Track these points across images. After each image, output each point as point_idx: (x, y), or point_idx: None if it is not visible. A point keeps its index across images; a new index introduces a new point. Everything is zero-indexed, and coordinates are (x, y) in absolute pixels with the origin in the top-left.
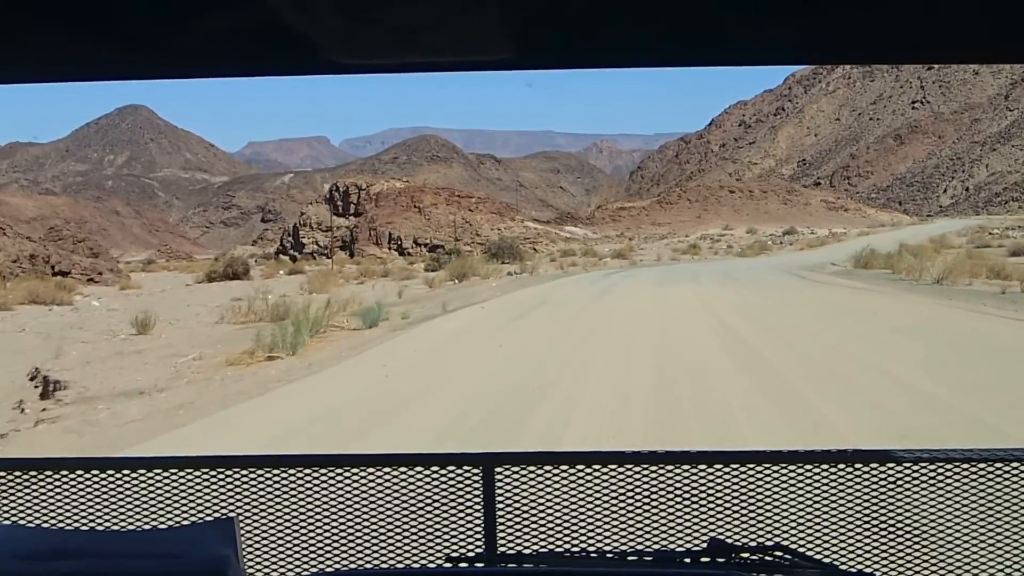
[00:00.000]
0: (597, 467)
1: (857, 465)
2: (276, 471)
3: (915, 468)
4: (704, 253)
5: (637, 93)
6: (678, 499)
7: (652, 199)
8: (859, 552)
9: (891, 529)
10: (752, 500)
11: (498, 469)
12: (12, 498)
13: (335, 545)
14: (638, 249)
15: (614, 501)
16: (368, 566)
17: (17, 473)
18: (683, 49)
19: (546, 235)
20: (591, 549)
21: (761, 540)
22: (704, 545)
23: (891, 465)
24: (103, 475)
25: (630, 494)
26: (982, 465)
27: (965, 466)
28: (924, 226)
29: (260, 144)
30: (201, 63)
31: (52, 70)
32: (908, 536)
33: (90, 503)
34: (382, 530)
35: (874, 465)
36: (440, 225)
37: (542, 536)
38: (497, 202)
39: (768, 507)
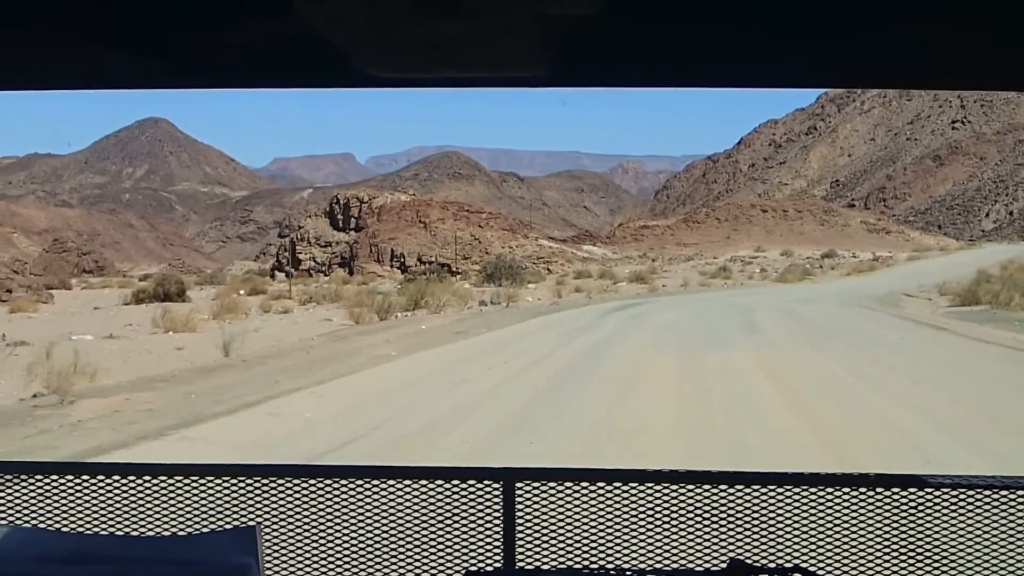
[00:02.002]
0: (618, 484)
1: (879, 489)
2: (298, 481)
3: (937, 494)
4: (736, 277)
5: (665, 115)
6: (699, 518)
7: (677, 218)
8: None
9: (912, 554)
10: (773, 522)
11: (519, 484)
12: (35, 502)
13: (355, 556)
14: (661, 271)
15: (634, 519)
16: None
17: (39, 477)
18: (715, 70)
19: (561, 254)
20: (610, 567)
21: (781, 562)
22: (723, 566)
23: (913, 490)
24: (125, 480)
25: (651, 512)
26: (1004, 492)
27: (987, 492)
28: (976, 251)
29: (286, 160)
30: (236, 74)
31: (90, 79)
32: (928, 561)
33: (113, 508)
34: (402, 542)
35: (896, 489)
36: (447, 242)
37: (561, 552)
38: (509, 219)
39: (789, 529)
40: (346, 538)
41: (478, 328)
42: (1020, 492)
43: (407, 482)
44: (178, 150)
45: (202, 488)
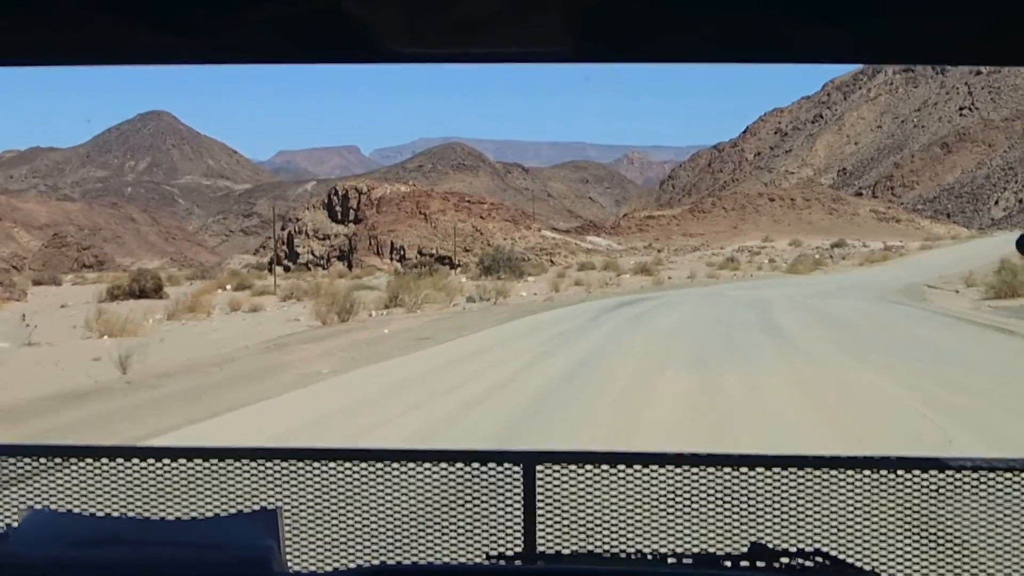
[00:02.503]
0: (638, 467)
1: (900, 472)
2: (318, 464)
3: (959, 476)
4: (744, 268)
5: (671, 105)
6: (719, 502)
7: (683, 208)
8: (900, 560)
9: (933, 537)
10: (794, 505)
11: (539, 467)
12: (57, 486)
13: (376, 539)
14: (667, 263)
15: (655, 502)
16: (407, 561)
17: (59, 460)
18: (744, 44)
19: (565, 246)
20: (631, 550)
21: (802, 545)
22: (745, 549)
23: (934, 472)
24: (146, 463)
25: (671, 495)
26: None
27: (1009, 475)
28: (989, 240)
29: (291, 153)
30: (257, 50)
31: (108, 55)
32: (950, 544)
33: (135, 491)
34: (422, 525)
35: (917, 472)
36: (448, 233)
37: (581, 536)
38: (512, 210)
39: (810, 512)
40: (367, 521)
41: (448, 333)
42: None
43: (427, 464)
44: (181, 143)
45: (224, 471)
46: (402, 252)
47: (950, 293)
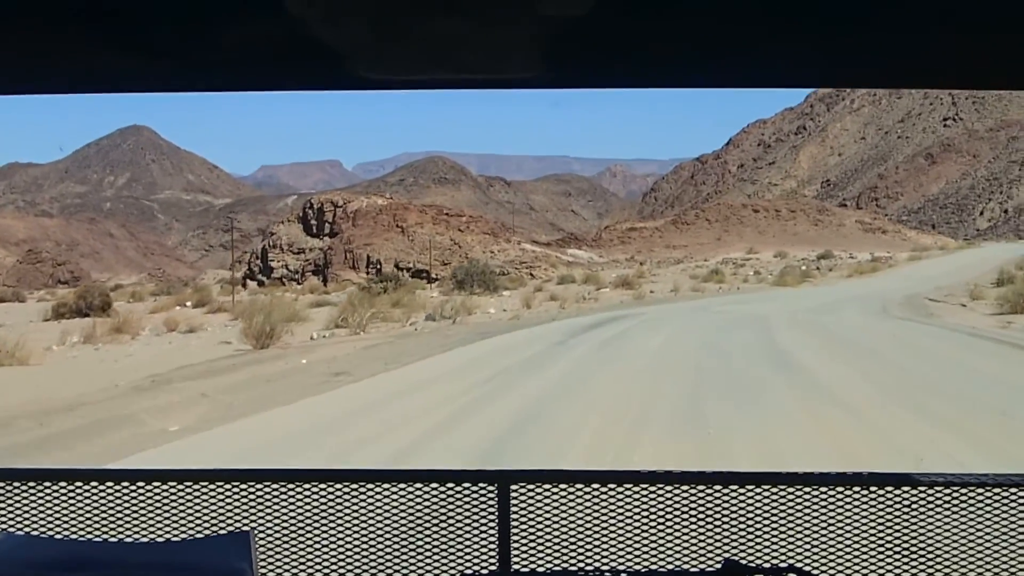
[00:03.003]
0: (612, 486)
1: (872, 488)
2: (291, 486)
3: (931, 492)
4: (730, 281)
5: (654, 119)
6: (693, 520)
7: (666, 219)
8: (874, 575)
9: (906, 553)
10: (767, 522)
11: (513, 487)
12: (29, 509)
13: (350, 560)
14: (649, 276)
15: (629, 520)
16: None
17: (32, 484)
18: (713, 69)
19: (545, 259)
20: (605, 569)
21: (776, 562)
22: (719, 566)
23: (907, 489)
24: (119, 486)
25: (645, 514)
26: (998, 490)
27: (981, 491)
28: (978, 250)
29: (273, 168)
30: (233, 77)
31: (89, 82)
32: (923, 560)
33: (106, 514)
34: (397, 546)
35: (889, 488)
36: (425, 247)
37: (556, 554)
38: (491, 222)
39: (784, 529)
40: (340, 542)
41: (375, 364)
42: (1013, 490)
43: (401, 485)
44: (160, 158)
45: (195, 494)
46: (378, 266)
47: (955, 307)
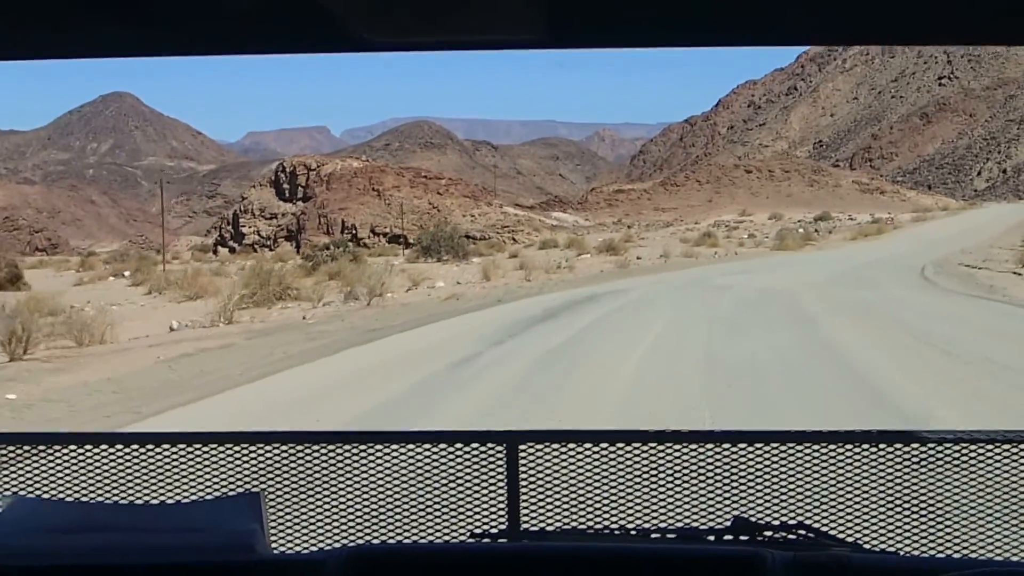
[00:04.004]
0: (621, 445)
1: (881, 445)
2: (300, 447)
3: (939, 449)
4: (724, 245)
5: (642, 82)
6: (702, 478)
7: (655, 181)
8: (882, 531)
9: (914, 509)
10: (776, 479)
11: (522, 447)
12: (40, 472)
13: (359, 520)
14: (637, 240)
15: (638, 479)
16: (392, 541)
17: (41, 448)
18: (713, 27)
19: (528, 223)
20: (614, 526)
21: (784, 519)
22: (728, 523)
23: (915, 446)
24: (128, 449)
25: (654, 472)
26: (1007, 446)
27: (989, 447)
28: (983, 211)
29: (260, 134)
30: (229, 41)
31: (85, 48)
32: (931, 516)
33: (117, 477)
34: (406, 506)
35: (898, 445)
36: (404, 211)
37: (565, 513)
38: (471, 185)
39: (792, 486)
40: (350, 502)
41: (123, 408)
42: (1021, 446)
43: (410, 446)
44: (144, 124)
45: (206, 456)
46: (354, 231)
47: (1004, 275)
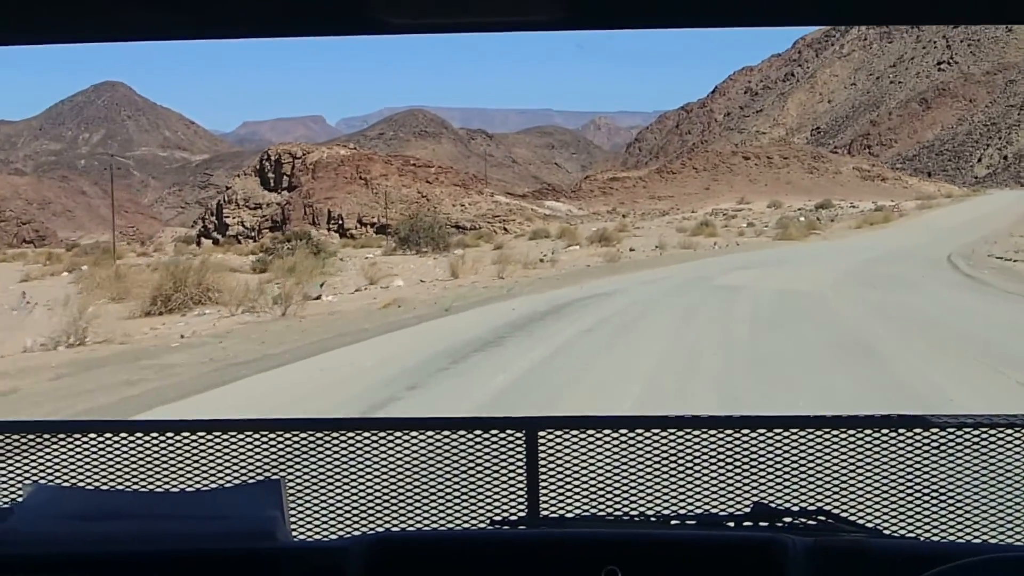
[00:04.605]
0: (640, 431)
1: (900, 430)
2: (320, 434)
3: (959, 434)
4: (722, 235)
5: (638, 70)
6: (721, 464)
7: (650, 169)
8: (902, 516)
9: (934, 494)
10: (795, 465)
11: (541, 433)
12: (59, 460)
13: (379, 507)
14: (632, 229)
15: (657, 465)
16: (412, 528)
17: (61, 436)
18: (734, 7)
19: (520, 212)
20: (634, 512)
21: (804, 505)
22: (748, 509)
23: (935, 431)
24: (148, 437)
25: (673, 458)
26: None
27: (1009, 431)
28: (988, 197)
29: (255, 124)
30: (246, 23)
31: (103, 31)
32: (951, 501)
33: (136, 465)
34: (425, 493)
35: (918, 430)
36: (391, 200)
37: (585, 500)
38: (461, 173)
39: (811, 472)
40: (370, 490)
41: None
42: None
43: (429, 433)
44: (136, 114)
45: (225, 443)
46: (340, 221)
47: None
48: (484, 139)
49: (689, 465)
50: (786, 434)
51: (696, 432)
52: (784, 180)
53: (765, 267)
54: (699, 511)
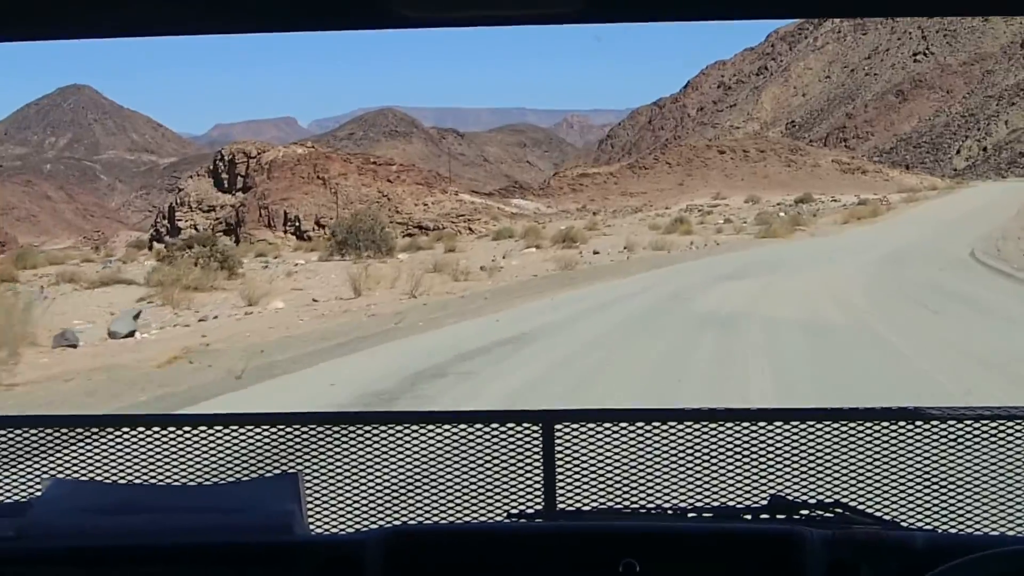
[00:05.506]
0: (657, 424)
1: (918, 423)
2: (337, 428)
3: (976, 426)
4: (699, 232)
5: (612, 68)
6: (738, 456)
7: (622, 164)
8: (919, 509)
9: (950, 486)
10: (812, 458)
11: (557, 426)
12: (79, 454)
13: (396, 500)
14: (603, 226)
15: (674, 458)
16: (428, 522)
17: (80, 430)
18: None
19: (486, 211)
20: (651, 505)
21: (821, 497)
22: (764, 502)
23: (952, 423)
24: (166, 431)
25: (690, 451)
26: None
27: None
28: (973, 190)
29: (227, 126)
30: (259, 17)
31: (117, 26)
32: (967, 493)
33: (153, 459)
34: (442, 486)
35: (935, 423)
36: (351, 200)
37: (601, 492)
38: (424, 171)
39: (828, 465)
40: (386, 483)
41: None
42: None
43: (446, 427)
44: (103, 117)
45: (243, 437)
46: (297, 223)
47: None
48: (455, 138)
49: (706, 458)
50: (803, 427)
51: (713, 425)
52: (761, 174)
53: (758, 275)
54: (716, 504)
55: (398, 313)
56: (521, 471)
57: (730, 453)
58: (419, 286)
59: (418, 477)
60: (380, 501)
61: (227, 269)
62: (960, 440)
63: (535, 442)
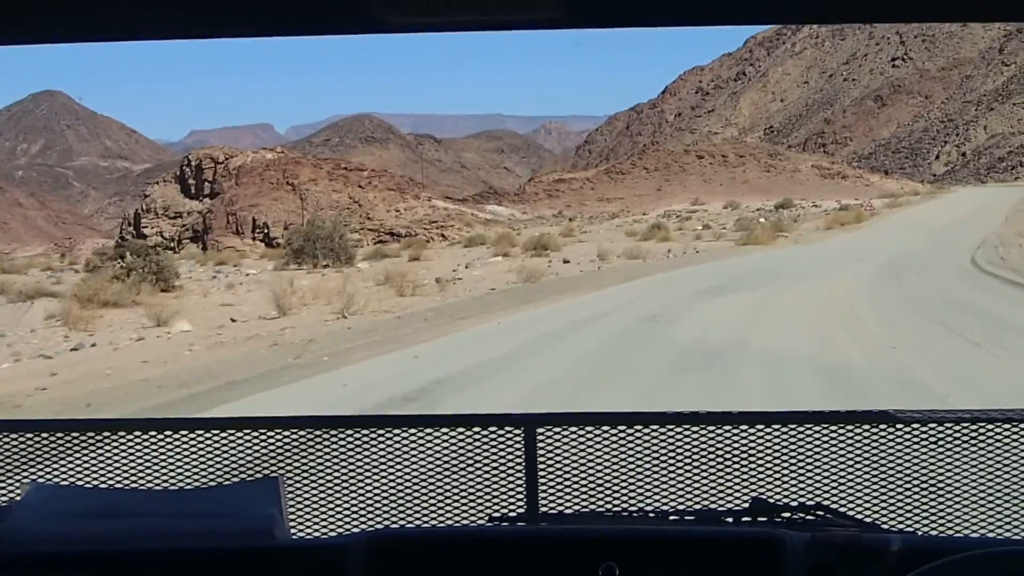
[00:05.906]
0: (639, 428)
1: (898, 425)
2: (319, 432)
3: (956, 428)
4: (677, 238)
5: (590, 74)
6: (720, 460)
7: (598, 169)
8: (900, 511)
9: (932, 488)
10: (793, 460)
11: (540, 430)
12: (59, 459)
13: (377, 504)
14: (579, 233)
15: (656, 462)
16: (410, 525)
17: (60, 435)
18: (734, 5)
19: (460, 217)
20: (633, 508)
21: (802, 500)
22: (746, 505)
23: (932, 425)
24: (147, 436)
25: (672, 455)
26: (1023, 425)
27: (1006, 426)
28: (955, 195)
29: (203, 133)
30: (245, 22)
31: (91, 29)
32: (948, 495)
33: (134, 464)
34: (424, 490)
35: (915, 425)
36: (320, 206)
37: (583, 496)
38: (396, 177)
39: (809, 467)
40: (368, 487)
41: None
42: None
43: (428, 430)
44: (76, 124)
45: (224, 442)
46: (266, 230)
47: None
48: (432, 144)
49: (687, 461)
50: (784, 430)
51: (694, 428)
52: (740, 179)
53: (745, 290)
54: (697, 507)
55: (310, 341)
56: (503, 475)
57: (712, 456)
58: (352, 304)
59: (400, 481)
60: (362, 505)
61: (162, 281)
62: (940, 443)
63: (517, 446)
